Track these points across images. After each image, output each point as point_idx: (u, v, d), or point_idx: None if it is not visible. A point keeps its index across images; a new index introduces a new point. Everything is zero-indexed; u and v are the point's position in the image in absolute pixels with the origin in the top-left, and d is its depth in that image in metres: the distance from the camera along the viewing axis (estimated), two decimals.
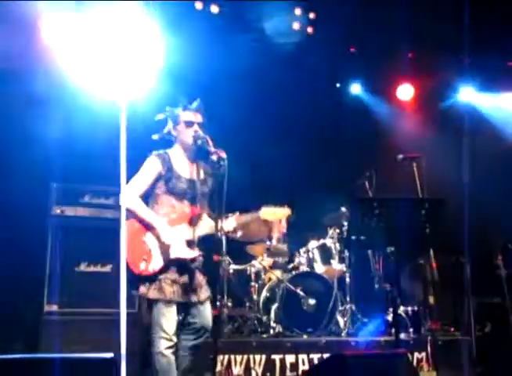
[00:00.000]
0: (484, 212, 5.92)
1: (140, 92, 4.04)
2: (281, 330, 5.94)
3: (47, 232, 5.37)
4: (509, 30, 6.40)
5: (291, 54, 6.86)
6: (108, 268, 5.41)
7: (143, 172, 4.14)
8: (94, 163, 5.71)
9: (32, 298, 5.26)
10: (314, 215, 6.81)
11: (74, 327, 5.12)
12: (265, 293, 6.26)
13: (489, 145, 6.89)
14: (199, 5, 6.46)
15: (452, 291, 6.36)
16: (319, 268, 6.42)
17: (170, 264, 4.04)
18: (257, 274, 6.35)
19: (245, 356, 5.38)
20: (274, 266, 6.51)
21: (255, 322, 6.10)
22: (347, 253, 6.42)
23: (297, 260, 6.46)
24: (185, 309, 4.11)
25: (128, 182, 3.84)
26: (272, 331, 6.00)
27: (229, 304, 6.15)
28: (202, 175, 4.27)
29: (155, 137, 4.22)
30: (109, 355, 2.85)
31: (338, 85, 7.76)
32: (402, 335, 6.09)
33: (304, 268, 6.35)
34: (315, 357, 5.47)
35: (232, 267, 6.37)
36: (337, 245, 6.45)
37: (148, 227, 4.06)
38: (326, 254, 6.46)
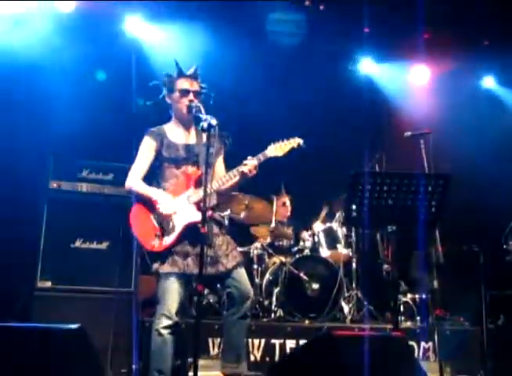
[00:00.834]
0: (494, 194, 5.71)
1: None
2: (282, 314, 5.77)
3: (43, 206, 5.23)
4: None
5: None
6: (104, 245, 5.24)
7: (140, 154, 4.11)
8: (93, 137, 5.60)
9: (25, 273, 5.13)
10: (322, 199, 6.64)
11: (67, 304, 4.96)
12: (267, 276, 6.09)
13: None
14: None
15: (463, 280, 6.11)
16: (325, 252, 6.23)
17: (182, 236, 3.92)
18: (260, 257, 6.16)
19: None
20: (278, 251, 6.32)
21: (256, 306, 5.93)
22: (354, 238, 6.22)
23: (301, 243, 6.27)
24: (212, 281, 3.91)
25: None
26: (273, 315, 5.82)
27: None
28: (203, 139, 4.05)
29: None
30: (76, 325, 2.69)
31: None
32: (409, 324, 5.91)
33: (308, 251, 6.15)
34: None
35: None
36: (344, 229, 6.25)
37: (154, 205, 3.99)
38: (331, 238, 6.28)
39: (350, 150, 6.80)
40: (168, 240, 3.92)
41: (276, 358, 5.25)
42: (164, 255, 3.91)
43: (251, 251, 6.17)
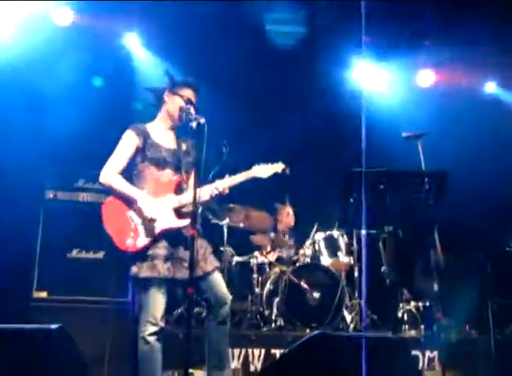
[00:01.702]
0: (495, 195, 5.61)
1: None
2: (283, 323, 5.66)
3: (39, 216, 5.22)
4: None
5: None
6: (100, 255, 5.23)
7: (120, 147, 3.99)
8: (89, 147, 5.57)
9: (21, 284, 5.11)
10: (322, 207, 6.55)
11: (63, 314, 4.93)
12: (268, 286, 5.99)
13: None
14: None
15: (469, 288, 5.99)
16: (325, 260, 6.12)
17: (159, 238, 3.84)
18: (260, 267, 6.08)
19: (243, 350, 5.13)
20: (279, 262, 6.23)
21: (257, 316, 5.84)
22: (355, 246, 6.12)
23: (301, 252, 6.18)
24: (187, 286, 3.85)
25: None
26: (273, 325, 5.72)
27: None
28: (185, 147, 4.07)
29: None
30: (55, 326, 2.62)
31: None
32: (413, 332, 5.78)
33: (308, 260, 6.06)
34: None
35: (236, 259, 6.14)
36: (345, 237, 6.16)
37: (130, 203, 3.89)
38: (332, 246, 6.17)
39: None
40: (142, 241, 3.81)
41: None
42: (141, 258, 3.79)
43: (251, 260, 6.09)
